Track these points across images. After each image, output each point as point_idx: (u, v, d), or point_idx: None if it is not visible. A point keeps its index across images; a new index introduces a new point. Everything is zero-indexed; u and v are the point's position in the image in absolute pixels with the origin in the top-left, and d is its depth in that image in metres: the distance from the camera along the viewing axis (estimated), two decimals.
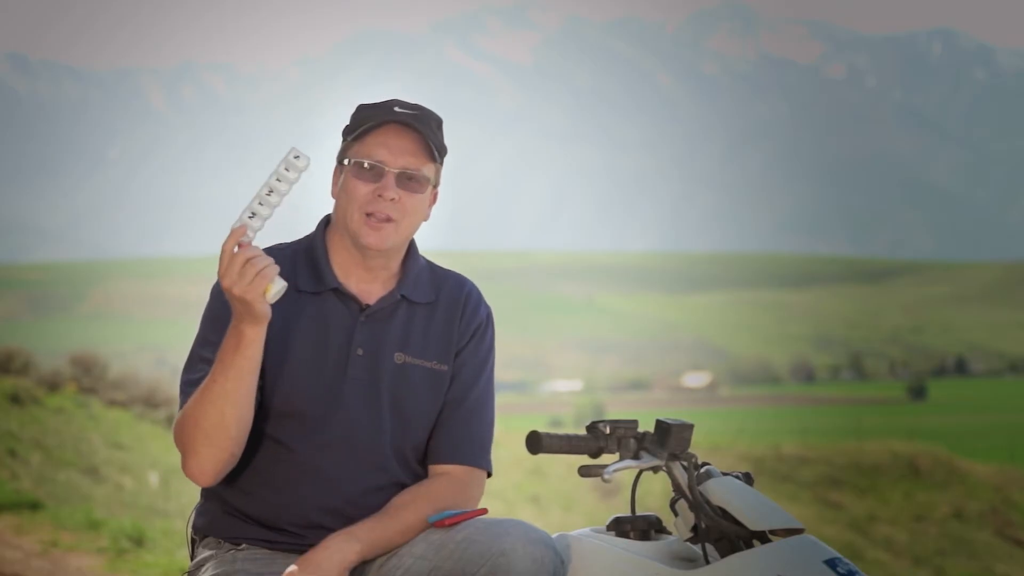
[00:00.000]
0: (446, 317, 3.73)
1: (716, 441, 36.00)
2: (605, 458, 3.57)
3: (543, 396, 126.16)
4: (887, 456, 37.70)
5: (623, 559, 3.49)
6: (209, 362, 3.56)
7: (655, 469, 3.56)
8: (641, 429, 3.57)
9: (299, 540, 3.61)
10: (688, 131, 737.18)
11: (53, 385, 22.09)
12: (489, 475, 3.74)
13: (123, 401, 22.41)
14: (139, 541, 11.97)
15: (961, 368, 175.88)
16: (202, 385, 3.51)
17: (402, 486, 3.65)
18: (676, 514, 3.54)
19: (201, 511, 3.73)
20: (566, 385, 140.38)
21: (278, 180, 3.46)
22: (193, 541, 3.75)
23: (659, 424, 3.55)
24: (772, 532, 3.42)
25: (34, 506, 13.92)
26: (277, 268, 3.45)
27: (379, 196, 3.60)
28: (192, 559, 3.73)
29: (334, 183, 3.71)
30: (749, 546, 3.43)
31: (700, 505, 3.46)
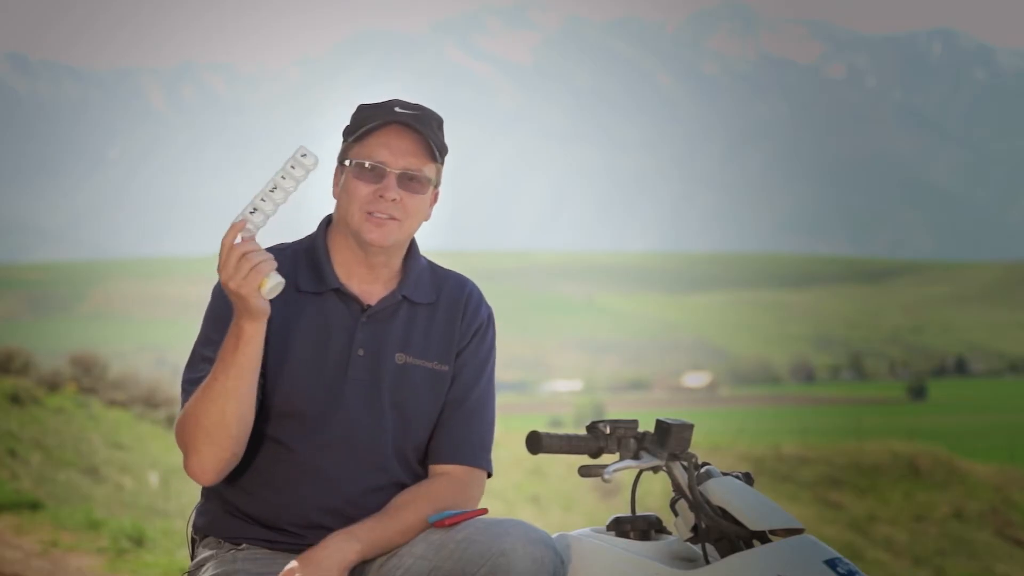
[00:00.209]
0: (447, 317, 3.73)
1: (716, 441, 35.98)
2: (605, 458, 3.57)
3: (543, 396, 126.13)
4: (887, 456, 37.69)
5: (623, 559, 3.49)
6: (211, 361, 3.56)
7: (655, 469, 3.56)
8: (641, 429, 3.57)
9: (299, 540, 3.61)
10: (688, 131, 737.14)
11: (53, 385, 22.09)
12: (489, 475, 3.74)
13: (123, 401, 22.42)
14: (139, 541, 11.97)
15: (961, 368, 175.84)
16: (203, 383, 3.52)
17: (402, 486, 3.65)
18: (676, 514, 3.54)
19: (201, 511, 3.73)
20: (566, 385, 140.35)
21: (283, 177, 3.46)
22: (193, 541, 3.75)
23: (659, 424, 3.55)
24: (772, 532, 3.42)
25: (34, 506, 13.91)
26: (274, 264, 3.45)
27: (381, 197, 3.61)
28: (192, 559, 3.73)
29: (335, 183, 3.71)
30: (749, 546, 3.43)
31: (700, 505, 3.46)
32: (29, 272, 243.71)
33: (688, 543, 3.54)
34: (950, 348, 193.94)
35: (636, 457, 3.54)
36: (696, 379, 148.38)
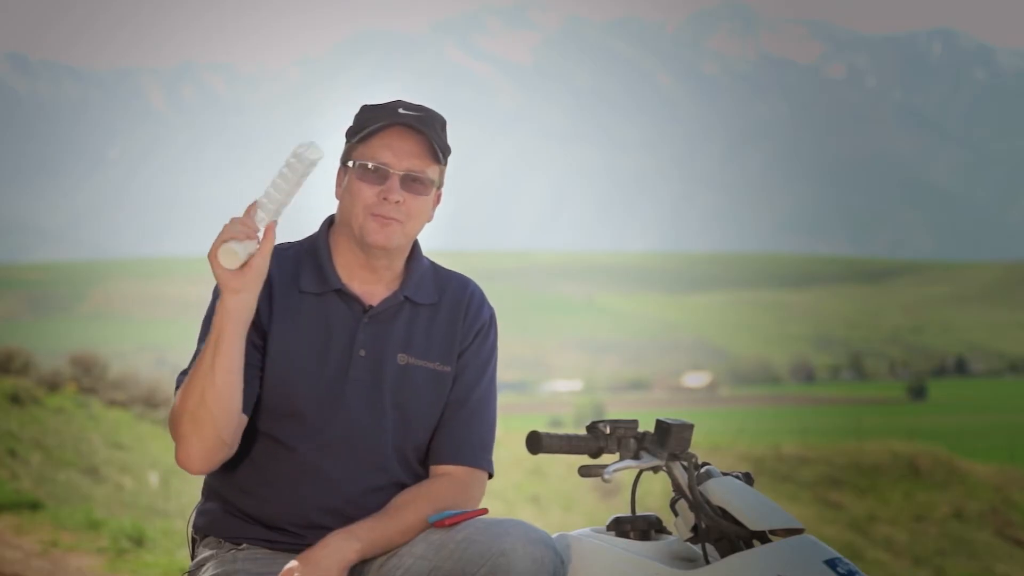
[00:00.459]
0: (449, 318, 3.73)
1: (716, 441, 35.96)
2: (605, 458, 3.57)
3: (543, 396, 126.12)
4: (887, 456, 37.67)
5: (623, 559, 3.49)
6: None
7: (655, 469, 3.56)
8: (641, 429, 3.57)
9: (299, 540, 3.61)
10: (688, 131, 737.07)
11: (53, 385, 22.10)
12: (490, 476, 3.74)
13: (123, 401, 22.43)
14: (139, 541, 11.97)
15: (961, 368, 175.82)
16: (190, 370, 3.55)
17: (403, 486, 3.65)
18: (676, 514, 3.54)
19: (202, 511, 3.73)
20: (566, 385, 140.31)
21: (287, 170, 3.49)
22: (194, 541, 3.74)
23: (659, 424, 3.55)
24: (772, 532, 3.42)
25: (34, 506, 13.92)
26: (242, 235, 3.46)
27: (384, 199, 3.61)
28: (192, 559, 3.73)
29: (338, 184, 3.71)
30: (749, 546, 3.43)
31: (700, 505, 3.46)
32: (29, 272, 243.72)
33: (688, 543, 3.53)
34: (950, 348, 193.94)
35: (636, 457, 3.54)
36: (696, 379, 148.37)
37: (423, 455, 3.71)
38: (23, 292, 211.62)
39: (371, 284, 3.70)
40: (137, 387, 23.27)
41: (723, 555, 3.44)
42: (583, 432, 3.59)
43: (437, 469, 3.69)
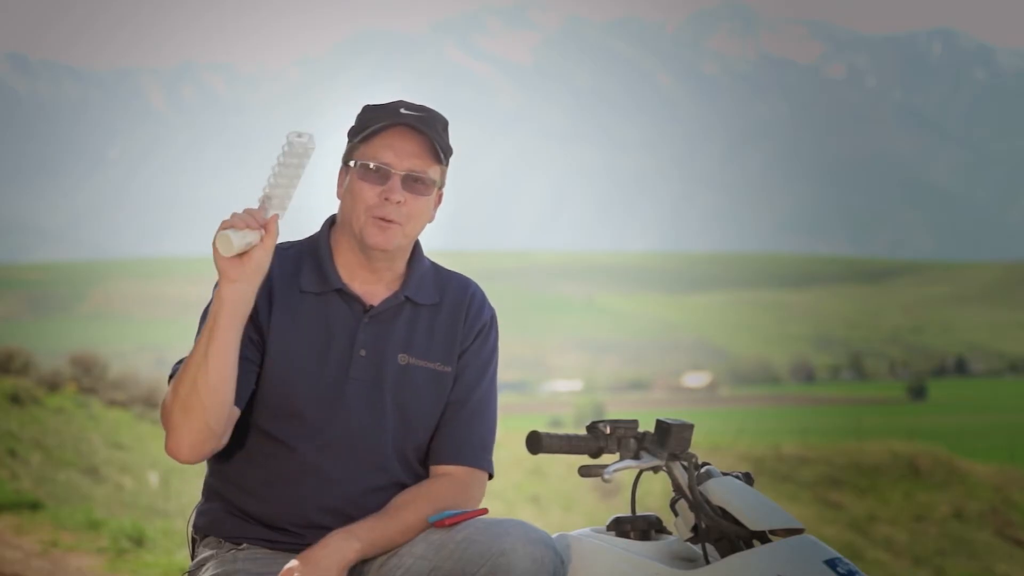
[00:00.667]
0: (450, 318, 3.73)
1: (716, 441, 35.94)
2: (605, 458, 3.57)
3: (543, 396, 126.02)
4: (887, 456, 37.66)
5: (623, 559, 3.49)
6: None
7: (655, 469, 3.56)
8: (641, 429, 3.57)
9: (300, 540, 3.61)
10: (688, 131, 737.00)
11: (53, 385, 22.11)
12: (491, 476, 3.74)
13: (123, 401, 22.44)
14: (139, 541, 11.97)
15: (961, 368, 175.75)
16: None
17: (403, 486, 3.66)
18: (676, 514, 3.54)
19: (202, 511, 3.73)
20: (566, 385, 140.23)
21: (285, 161, 3.48)
22: (194, 541, 3.75)
23: (659, 424, 3.55)
24: (772, 532, 3.42)
25: (34, 506, 13.91)
26: (240, 224, 3.46)
27: (385, 199, 3.61)
28: (193, 559, 3.74)
29: (339, 184, 3.71)
30: (749, 546, 3.44)
31: (700, 505, 3.46)
32: (29, 272, 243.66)
33: (688, 543, 3.53)
34: (950, 348, 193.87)
35: (636, 457, 3.54)
36: (696, 379, 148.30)
37: (423, 455, 3.71)
38: (23, 292, 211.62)
39: (372, 284, 3.70)
40: (137, 387, 23.29)
41: (723, 555, 3.44)
42: (583, 432, 3.58)
43: (437, 469, 3.69)
